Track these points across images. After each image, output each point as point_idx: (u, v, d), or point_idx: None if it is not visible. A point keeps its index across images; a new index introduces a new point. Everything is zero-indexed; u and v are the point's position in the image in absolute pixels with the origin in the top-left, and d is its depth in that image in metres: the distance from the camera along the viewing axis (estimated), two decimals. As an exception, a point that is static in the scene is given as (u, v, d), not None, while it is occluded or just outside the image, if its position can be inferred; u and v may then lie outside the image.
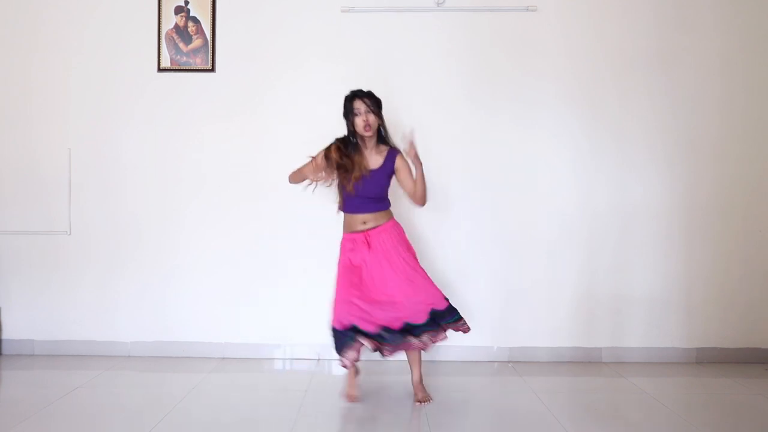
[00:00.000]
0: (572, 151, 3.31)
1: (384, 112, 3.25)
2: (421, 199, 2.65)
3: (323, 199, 3.20)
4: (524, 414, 2.52)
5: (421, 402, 2.58)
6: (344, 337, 2.46)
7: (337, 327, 2.48)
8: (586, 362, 3.30)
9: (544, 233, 3.31)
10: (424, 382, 2.69)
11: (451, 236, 3.32)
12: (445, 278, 3.31)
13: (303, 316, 3.29)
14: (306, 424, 2.38)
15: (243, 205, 3.32)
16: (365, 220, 2.62)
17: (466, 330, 2.63)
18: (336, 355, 2.52)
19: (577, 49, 3.29)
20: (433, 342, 2.56)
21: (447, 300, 2.60)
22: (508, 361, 3.31)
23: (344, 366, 2.48)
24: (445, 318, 2.56)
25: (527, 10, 3.27)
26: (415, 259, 2.66)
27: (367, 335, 2.44)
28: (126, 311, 3.34)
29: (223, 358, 3.31)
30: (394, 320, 2.49)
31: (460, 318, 2.61)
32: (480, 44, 3.30)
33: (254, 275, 3.33)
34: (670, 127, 3.29)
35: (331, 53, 3.30)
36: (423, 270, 2.62)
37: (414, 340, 2.52)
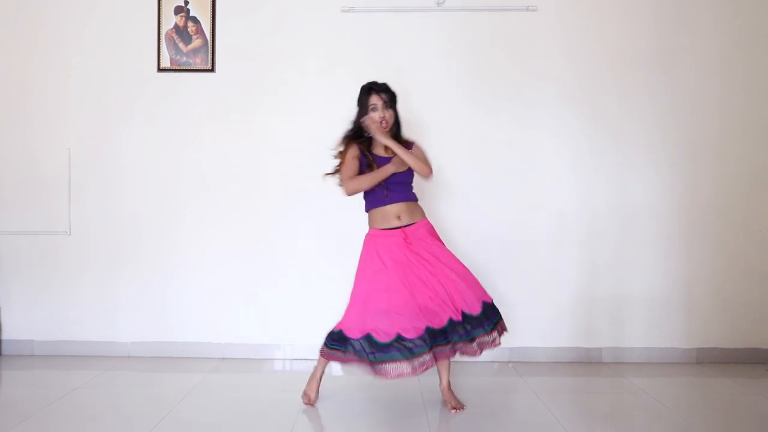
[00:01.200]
0: (572, 151, 3.31)
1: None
2: (424, 172, 2.49)
3: (323, 198, 3.21)
4: (524, 414, 2.52)
5: (456, 409, 2.45)
6: (390, 348, 2.28)
7: (380, 338, 2.30)
8: (586, 362, 3.30)
9: (544, 233, 3.31)
10: (452, 389, 2.56)
11: (451, 236, 3.31)
12: (445, 278, 3.31)
13: (303, 316, 3.29)
14: (306, 425, 2.38)
15: (243, 205, 3.32)
16: (399, 213, 2.46)
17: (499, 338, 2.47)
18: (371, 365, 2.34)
19: (577, 49, 3.29)
20: (484, 347, 2.40)
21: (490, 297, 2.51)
22: (508, 361, 3.31)
23: (389, 376, 2.29)
24: (493, 315, 2.46)
25: (527, 10, 3.27)
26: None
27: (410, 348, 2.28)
28: (126, 311, 3.34)
29: (223, 359, 3.31)
30: (443, 311, 2.35)
31: (501, 318, 2.50)
32: (480, 44, 3.30)
33: (254, 275, 3.33)
34: (670, 127, 3.29)
35: (331, 53, 3.30)
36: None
37: (462, 346, 2.39)
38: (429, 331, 2.32)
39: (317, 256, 3.26)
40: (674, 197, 3.30)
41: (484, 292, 2.49)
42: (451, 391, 2.54)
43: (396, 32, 3.30)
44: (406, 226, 2.48)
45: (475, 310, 2.41)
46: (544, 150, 3.30)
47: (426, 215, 2.62)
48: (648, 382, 2.94)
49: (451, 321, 2.38)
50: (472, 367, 3.21)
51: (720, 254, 3.31)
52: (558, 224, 3.31)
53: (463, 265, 2.50)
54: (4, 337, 3.36)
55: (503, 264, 3.31)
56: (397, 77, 3.27)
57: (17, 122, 3.33)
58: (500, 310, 3.32)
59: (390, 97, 2.50)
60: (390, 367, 2.28)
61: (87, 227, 3.34)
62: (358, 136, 2.53)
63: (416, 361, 2.26)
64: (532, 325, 3.31)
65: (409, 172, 2.52)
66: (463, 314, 2.40)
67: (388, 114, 2.48)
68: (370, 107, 2.47)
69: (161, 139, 3.33)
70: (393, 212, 2.47)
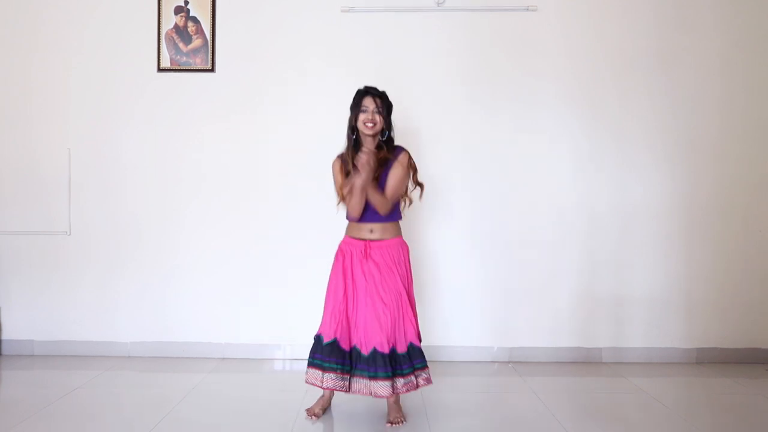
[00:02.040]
0: (572, 151, 3.31)
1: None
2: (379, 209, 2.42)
3: (323, 198, 3.21)
4: (524, 414, 2.52)
5: (392, 423, 2.35)
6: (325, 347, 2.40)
7: (323, 336, 2.42)
8: (586, 362, 3.30)
9: (544, 233, 3.31)
10: (400, 402, 2.48)
11: (451, 236, 3.32)
12: (446, 279, 3.32)
13: (303, 316, 3.28)
14: (306, 425, 2.38)
15: (243, 205, 3.32)
16: (372, 228, 2.45)
17: (428, 382, 2.41)
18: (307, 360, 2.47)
19: (577, 49, 3.29)
20: (404, 389, 2.35)
21: (420, 340, 2.46)
22: (508, 361, 3.31)
23: (309, 382, 2.43)
24: (416, 359, 2.40)
25: (527, 10, 3.27)
26: (411, 283, 2.50)
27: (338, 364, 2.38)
28: (126, 311, 3.34)
29: (223, 359, 3.31)
30: (366, 342, 2.36)
31: (427, 366, 2.43)
32: (480, 44, 3.30)
33: (254, 275, 3.33)
34: (670, 127, 3.29)
35: (331, 53, 3.30)
36: (413, 299, 2.49)
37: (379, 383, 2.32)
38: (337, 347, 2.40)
39: (317, 256, 3.24)
40: (674, 197, 3.30)
41: (413, 335, 2.41)
42: (398, 404, 2.46)
43: (396, 32, 3.30)
44: (374, 240, 2.46)
45: (400, 348, 2.38)
46: (544, 150, 3.30)
47: (402, 235, 2.53)
48: (648, 382, 2.94)
49: (355, 348, 2.40)
50: (473, 367, 3.21)
51: (720, 254, 3.31)
52: (558, 224, 3.31)
53: (404, 300, 2.41)
54: (4, 337, 3.36)
55: (503, 264, 3.31)
56: (397, 77, 3.29)
57: (17, 122, 3.33)
58: (496, 310, 3.33)
59: (383, 104, 2.43)
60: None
61: (87, 227, 3.34)
62: (355, 145, 2.47)
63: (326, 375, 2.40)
64: (532, 325, 3.32)
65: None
66: (373, 349, 2.35)
67: (378, 118, 2.41)
68: (361, 108, 2.42)
69: (161, 139, 3.33)
70: (366, 227, 2.46)
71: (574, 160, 3.31)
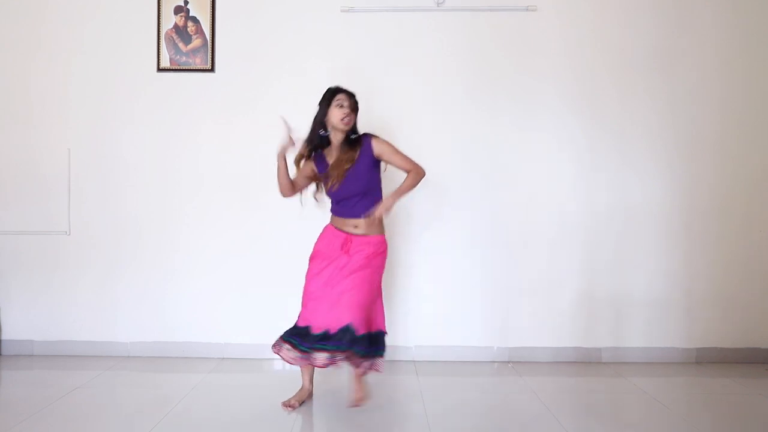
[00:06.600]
0: (572, 150, 3.31)
1: (383, 112, 3.26)
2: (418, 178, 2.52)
3: (323, 198, 3.20)
4: (524, 414, 2.52)
5: (358, 403, 2.43)
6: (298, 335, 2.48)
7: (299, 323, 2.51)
8: (586, 362, 3.30)
9: (544, 233, 3.31)
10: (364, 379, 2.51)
11: (451, 236, 3.32)
12: (446, 279, 3.31)
13: (303, 316, 3.28)
14: (306, 425, 2.38)
15: (242, 205, 3.32)
16: (357, 224, 2.50)
17: (379, 369, 2.46)
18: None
19: (577, 49, 3.29)
20: (362, 367, 2.43)
21: (385, 330, 2.51)
22: (508, 361, 3.31)
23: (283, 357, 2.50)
24: (377, 346, 2.44)
25: (527, 10, 3.27)
26: (380, 278, 2.53)
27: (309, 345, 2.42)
28: (126, 311, 3.34)
29: (223, 359, 3.31)
30: (336, 321, 2.38)
31: (383, 354, 2.47)
32: (480, 44, 3.30)
33: (254, 275, 3.33)
34: (670, 127, 3.29)
35: (331, 53, 3.30)
36: (380, 291, 2.53)
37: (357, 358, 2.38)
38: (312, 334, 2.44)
39: (317, 256, 3.25)
40: (674, 197, 3.30)
41: (371, 323, 2.46)
42: (362, 381, 2.51)
43: (396, 32, 3.30)
44: (357, 235, 2.49)
45: (360, 330, 2.39)
46: (544, 150, 3.30)
47: (384, 233, 2.57)
48: (648, 382, 2.94)
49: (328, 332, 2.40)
50: (473, 367, 3.21)
51: (720, 254, 3.31)
52: (558, 224, 3.31)
53: (369, 293, 2.45)
54: (4, 337, 3.36)
55: (503, 264, 3.31)
56: (397, 77, 3.30)
57: (17, 122, 3.33)
58: (496, 310, 3.33)
59: (355, 103, 2.51)
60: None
61: (87, 227, 3.33)
62: (315, 138, 2.54)
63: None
64: (532, 325, 3.31)
65: (357, 187, 2.48)
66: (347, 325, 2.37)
67: (353, 117, 2.49)
68: (337, 103, 2.45)
69: (161, 139, 3.33)
70: (351, 222, 2.51)
71: (574, 160, 3.31)
